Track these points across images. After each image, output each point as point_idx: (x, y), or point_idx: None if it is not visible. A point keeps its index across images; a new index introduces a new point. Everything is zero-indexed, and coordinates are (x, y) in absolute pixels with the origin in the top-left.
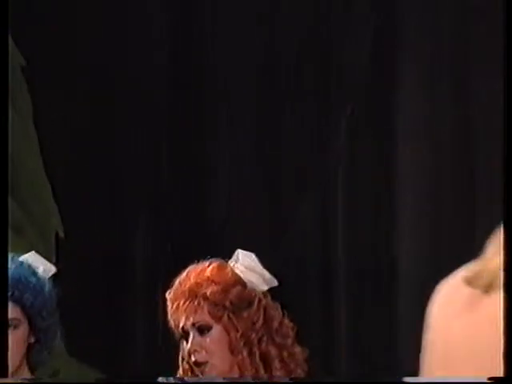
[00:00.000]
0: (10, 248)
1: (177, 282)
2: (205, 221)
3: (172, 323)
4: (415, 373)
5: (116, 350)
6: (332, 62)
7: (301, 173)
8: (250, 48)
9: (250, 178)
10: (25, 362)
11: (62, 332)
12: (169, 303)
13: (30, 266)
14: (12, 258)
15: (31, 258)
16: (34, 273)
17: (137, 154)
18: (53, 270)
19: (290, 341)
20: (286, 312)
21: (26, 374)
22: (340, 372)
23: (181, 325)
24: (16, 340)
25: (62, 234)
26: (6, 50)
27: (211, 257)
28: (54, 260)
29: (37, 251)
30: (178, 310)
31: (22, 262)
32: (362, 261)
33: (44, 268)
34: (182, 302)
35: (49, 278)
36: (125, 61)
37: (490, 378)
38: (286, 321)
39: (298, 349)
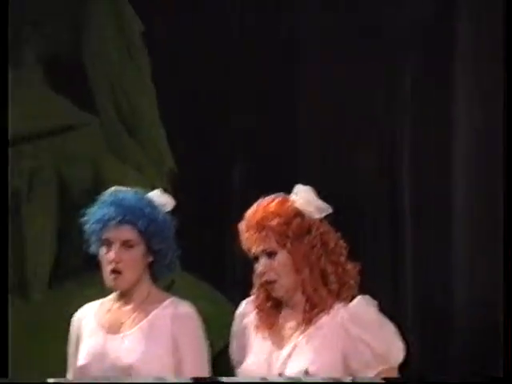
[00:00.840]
0: (132, 184)
1: (247, 215)
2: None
3: (245, 248)
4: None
5: (223, 263)
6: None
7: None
8: None
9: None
10: (146, 276)
11: (178, 252)
12: (241, 233)
13: (149, 198)
14: (135, 192)
15: (154, 193)
16: (153, 204)
17: (238, 101)
18: (172, 203)
19: (343, 258)
20: (339, 234)
21: (146, 286)
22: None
23: (252, 251)
24: (132, 257)
25: (175, 171)
26: (6, 50)
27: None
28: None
29: (155, 187)
30: (249, 239)
31: (142, 195)
32: (425, 210)
33: (164, 202)
34: (252, 233)
35: (168, 211)
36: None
37: (490, 378)
38: (340, 242)
39: (350, 265)
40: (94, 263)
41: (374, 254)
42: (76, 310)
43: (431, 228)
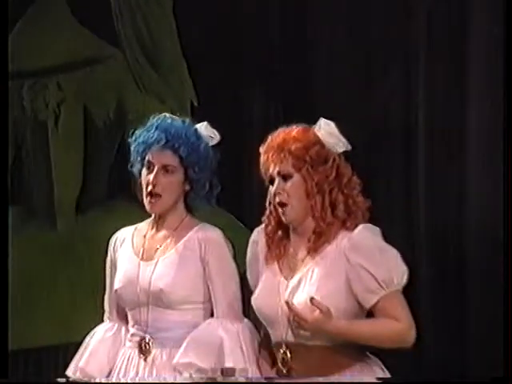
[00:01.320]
0: (132, 107)
1: (269, 138)
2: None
3: (263, 171)
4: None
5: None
6: None
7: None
8: None
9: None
10: (182, 204)
11: (218, 187)
12: (262, 155)
13: (195, 129)
14: (183, 121)
15: (202, 125)
16: (197, 135)
17: (254, 34)
18: (217, 138)
19: (355, 192)
20: (355, 172)
21: (180, 213)
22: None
23: (269, 172)
24: (170, 182)
25: (196, 103)
26: (6, 51)
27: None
28: None
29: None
30: (267, 161)
31: (189, 125)
32: (436, 132)
33: (211, 135)
34: (271, 154)
35: (212, 144)
36: None
37: (491, 378)
38: (354, 177)
39: (361, 199)
40: (116, 192)
41: (386, 190)
42: (99, 235)
43: (443, 158)
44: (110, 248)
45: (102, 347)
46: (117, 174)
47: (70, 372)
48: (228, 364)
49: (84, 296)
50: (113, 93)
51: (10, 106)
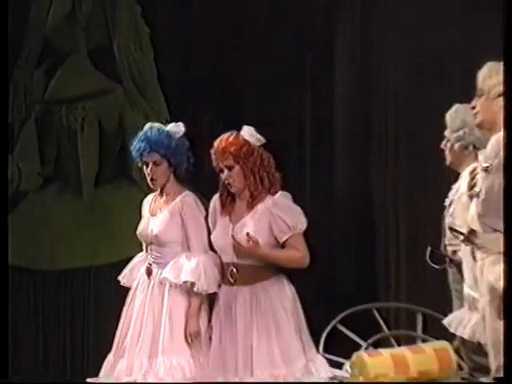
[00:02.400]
0: (129, 120)
1: (215, 144)
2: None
3: (214, 164)
4: None
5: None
6: None
7: None
8: None
9: None
10: (172, 180)
11: (192, 160)
12: (212, 155)
13: (167, 131)
14: (159, 127)
15: (172, 125)
16: (169, 136)
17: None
18: (182, 130)
19: (273, 170)
20: (271, 154)
21: (172, 186)
22: None
23: (219, 166)
24: (160, 171)
25: (168, 118)
26: (6, 51)
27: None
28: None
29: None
30: (217, 159)
31: (163, 132)
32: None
33: (178, 130)
34: (219, 155)
35: (180, 136)
36: None
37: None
38: (271, 159)
39: (277, 174)
40: (119, 174)
41: (295, 164)
42: (109, 201)
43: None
44: (142, 205)
45: (137, 264)
46: (119, 162)
47: (120, 278)
48: (191, 279)
49: (101, 238)
50: (116, 112)
51: (54, 121)
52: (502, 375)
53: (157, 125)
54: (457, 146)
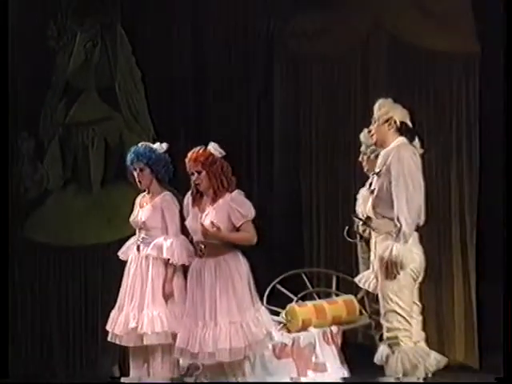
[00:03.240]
0: (136, 142)
1: (188, 155)
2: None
3: (188, 170)
4: None
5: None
6: None
7: None
8: None
9: None
10: (155, 182)
11: (171, 170)
12: (187, 163)
13: (151, 147)
14: (146, 145)
15: (156, 144)
16: (151, 150)
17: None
18: (164, 148)
19: (230, 174)
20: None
21: (155, 187)
22: None
23: (191, 170)
24: (144, 176)
25: (155, 137)
26: (6, 51)
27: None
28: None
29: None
30: (190, 167)
31: (148, 146)
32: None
33: (159, 148)
34: (191, 164)
35: (162, 152)
36: None
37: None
38: (229, 167)
39: (233, 177)
40: (119, 177)
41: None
42: (111, 197)
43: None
44: (135, 201)
45: (131, 244)
46: (119, 169)
47: (119, 253)
48: (165, 255)
49: (105, 223)
50: (117, 132)
51: (72, 139)
52: (389, 321)
53: (145, 143)
54: (372, 156)
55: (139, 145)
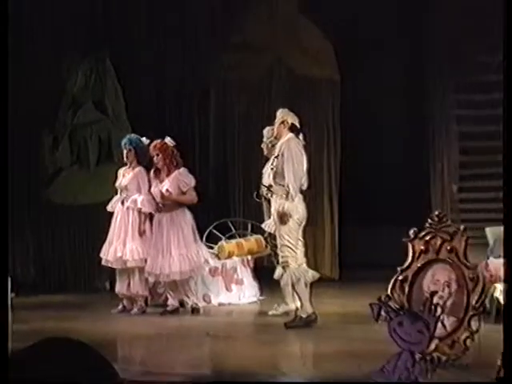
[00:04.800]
0: (120, 139)
1: (152, 144)
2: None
3: (151, 154)
4: None
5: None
6: None
7: None
8: None
9: None
10: (136, 162)
11: (147, 155)
12: (151, 149)
13: (139, 139)
14: (137, 137)
15: (142, 138)
16: (138, 141)
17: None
18: (147, 142)
19: (178, 157)
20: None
21: (136, 165)
22: None
23: (153, 154)
24: (130, 156)
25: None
26: (6, 51)
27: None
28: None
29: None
30: (152, 151)
31: (137, 138)
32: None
33: (144, 141)
34: (153, 149)
35: (145, 143)
36: None
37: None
38: (178, 152)
39: (180, 159)
40: (109, 159)
41: None
42: (103, 173)
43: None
44: (119, 172)
45: (116, 200)
46: (109, 153)
47: (108, 207)
48: (139, 206)
49: (99, 189)
50: (106, 130)
51: (77, 134)
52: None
53: (136, 135)
54: (270, 145)
55: (132, 135)
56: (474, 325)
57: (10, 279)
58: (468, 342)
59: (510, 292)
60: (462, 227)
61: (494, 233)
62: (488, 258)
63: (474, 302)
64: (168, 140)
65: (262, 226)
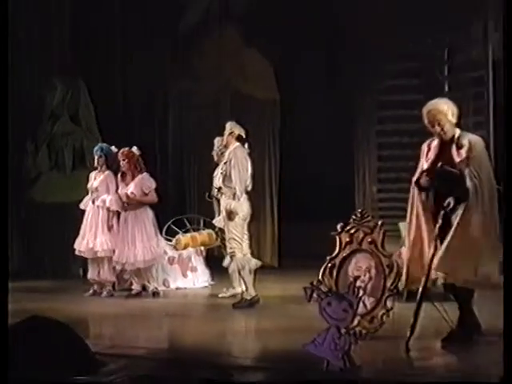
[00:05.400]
0: (93, 145)
1: (120, 151)
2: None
3: (119, 159)
4: None
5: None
6: None
7: None
8: None
9: None
10: (105, 165)
11: (115, 160)
12: (119, 156)
13: (109, 147)
14: (107, 146)
15: (112, 147)
16: (108, 148)
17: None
18: (115, 150)
19: (142, 164)
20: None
21: (105, 168)
22: None
23: (120, 160)
24: (102, 160)
25: (101, 141)
26: (6, 51)
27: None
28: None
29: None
30: (120, 158)
31: (108, 147)
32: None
33: (113, 148)
34: (120, 156)
35: (114, 151)
36: None
37: (498, 378)
38: (142, 160)
39: (144, 165)
40: (82, 164)
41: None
42: (77, 177)
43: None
44: (90, 175)
45: (87, 199)
46: (82, 160)
47: (81, 205)
48: (108, 205)
49: (73, 189)
50: (79, 140)
51: (55, 143)
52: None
53: (106, 144)
54: (220, 153)
55: (104, 144)
56: (389, 304)
57: None
58: (384, 317)
59: (510, 292)
60: (379, 222)
61: (406, 227)
62: (401, 248)
63: (389, 285)
64: (135, 149)
65: (213, 221)
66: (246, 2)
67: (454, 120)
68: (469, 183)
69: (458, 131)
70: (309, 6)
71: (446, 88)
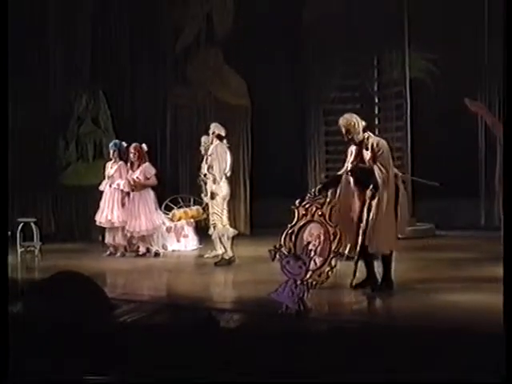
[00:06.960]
0: (110, 140)
1: (130, 147)
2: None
3: (129, 153)
4: None
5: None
6: None
7: None
8: None
9: None
10: (118, 157)
11: (125, 153)
12: (129, 150)
13: (120, 143)
14: (120, 141)
15: (122, 142)
16: (120, 144)
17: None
18: (125, 145)
19: (146, 156)
20: None
21: (119, 160)
22: None
23: (130, 153)
24: (116, 153)
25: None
26: (6, 52)
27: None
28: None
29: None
30: (130, 152)
31: (120, 142)
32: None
33: (124, 144)
34: (131, 151)
35: (124, 145)
36: None
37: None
38: (146, 152)
39: (147, 156)
40: (101, 155)
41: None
42: (97, 165)
43: None
44: (106, 164)
45: (105, 182)
46: (102, 152)
47: (100, 187)
48: (122, 187)
49: (94, 175)
50: (99, 138)
51: (81, 141)
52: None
53: (119, 140)
54: (205, 148)
55: (117, 140)
56: (333, 262)
57: (39, 232)
58: (330, 273)
59: (510, 290)
60: (328, 200)
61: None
62: None
63: (333, 248)
64: (144, 145)
65: (203, 197)
66: (226, 31)
67: (359, 129)
68: (377, 175)
69: (366, 135)
70: (273, 36)
71: (376, 100)
